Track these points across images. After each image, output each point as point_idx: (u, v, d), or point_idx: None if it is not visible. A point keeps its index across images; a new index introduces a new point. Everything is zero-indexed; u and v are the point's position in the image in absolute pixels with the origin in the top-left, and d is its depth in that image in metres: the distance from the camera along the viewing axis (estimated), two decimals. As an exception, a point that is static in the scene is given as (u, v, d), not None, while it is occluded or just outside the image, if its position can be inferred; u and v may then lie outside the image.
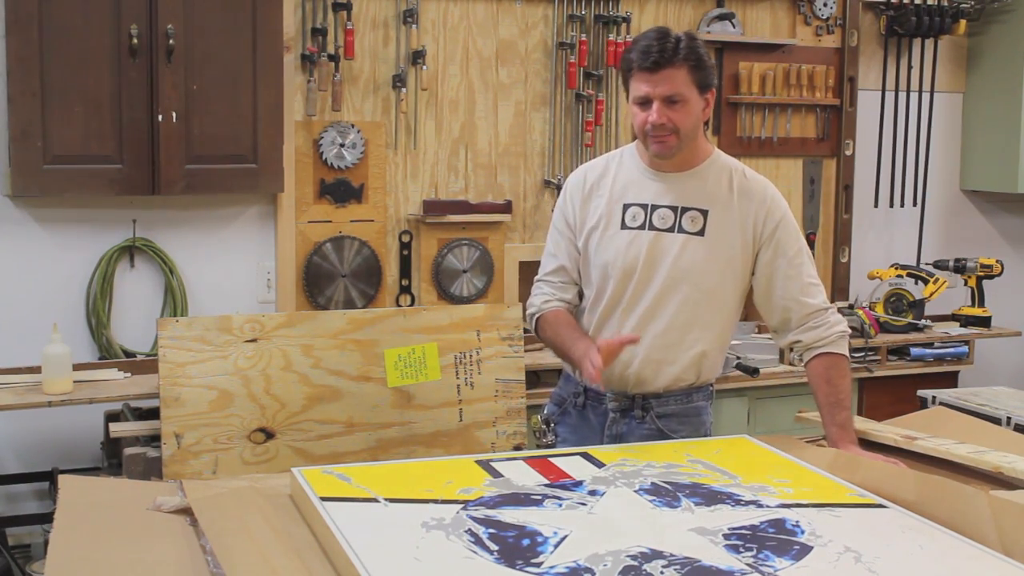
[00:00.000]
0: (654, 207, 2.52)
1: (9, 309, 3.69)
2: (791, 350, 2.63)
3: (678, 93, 2.41)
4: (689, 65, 2.41)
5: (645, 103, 2.43)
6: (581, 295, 2.65)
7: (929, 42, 4.92)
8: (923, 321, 4.49)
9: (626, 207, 2.54)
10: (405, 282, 4.20)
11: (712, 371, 2.62)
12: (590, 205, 2.58)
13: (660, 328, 2.52)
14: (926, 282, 4.61)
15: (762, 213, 2.54)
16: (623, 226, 2.53)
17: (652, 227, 2.51)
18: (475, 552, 1.73)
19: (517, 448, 3.25)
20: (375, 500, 1.94)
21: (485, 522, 1.85)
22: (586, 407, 2.64)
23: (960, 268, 4.68)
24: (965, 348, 4.48)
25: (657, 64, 2.38)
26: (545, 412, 2.71)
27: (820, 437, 2.56)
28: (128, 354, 3.78)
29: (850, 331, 2.61)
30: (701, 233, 2.50)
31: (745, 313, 4.84)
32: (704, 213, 2.51)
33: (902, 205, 4.97)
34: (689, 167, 2.53)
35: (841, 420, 2.47)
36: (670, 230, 2.51)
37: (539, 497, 1.99)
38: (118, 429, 3.26)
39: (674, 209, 2.51)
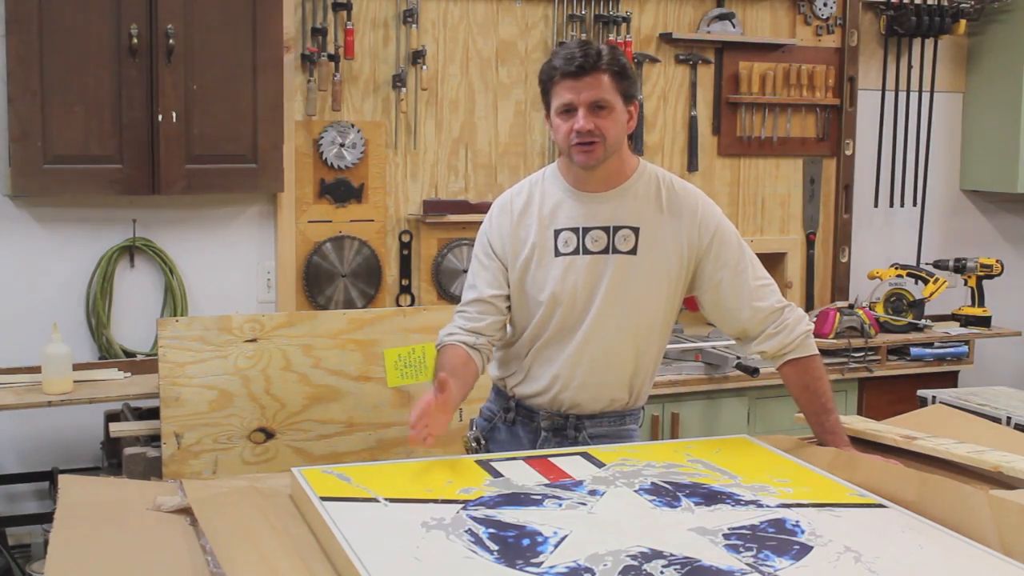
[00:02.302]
0: (585, 230, 2.43)
1: (9, 309, 3.69)
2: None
3: (603, 99, 2.34)
4: (613, 72, 2.34)
5: (569, 111, 2.35)
6: (502, 325, 2.52)
7: (929, 42, 4.92)
8: (923, 321, 4.49)
9: (557, 233, 2.44)
10: (405, 282, 4.20)
11: (645, 391, 2.56)
12: (519, 234, 2.47)
13: (598, 353, 2.46)
14: (926, 282, 4.61)
15: (695, 228, 2.46)
16: (557, 253, 2.44)
17: (586, 251, 2.43)
18: (475, 552, 1.73)
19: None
20: (375, 500, 1.94)
21: (485, 522, 1.85)
22: (516, 423, 2.57)
23: (960, 268, 4.67)
24: (965, 348, 4.48)
25: (582, 68, 2.32)
26: (475, 429, 2.64)
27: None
28: (128, 354, 3.78)
29: (812, 327, 2.54)
30: (634, 252, 2.42)
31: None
32: (635, 231, 2.43)
33: (902, 205, 4.98)
34: (616, 184, 2.45)
35: (831, 426, 2.43)
36: (604, 252, 2.43)
37: (539, 497, 1.99)
38: (118, 429, 3.26)
39: (606, 230, 2.43)
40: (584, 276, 2.43)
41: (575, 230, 2.44)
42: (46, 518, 3.46)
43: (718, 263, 2.46)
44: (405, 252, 4.19)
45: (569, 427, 2.52)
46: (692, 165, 4.56)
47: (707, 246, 2.46)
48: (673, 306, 2.51)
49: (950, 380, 4.44)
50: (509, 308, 2.52)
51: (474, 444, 2.59)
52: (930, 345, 4.43)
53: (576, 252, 2.43)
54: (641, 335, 2.48)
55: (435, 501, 1.95)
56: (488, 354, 2.50)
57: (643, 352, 2.50)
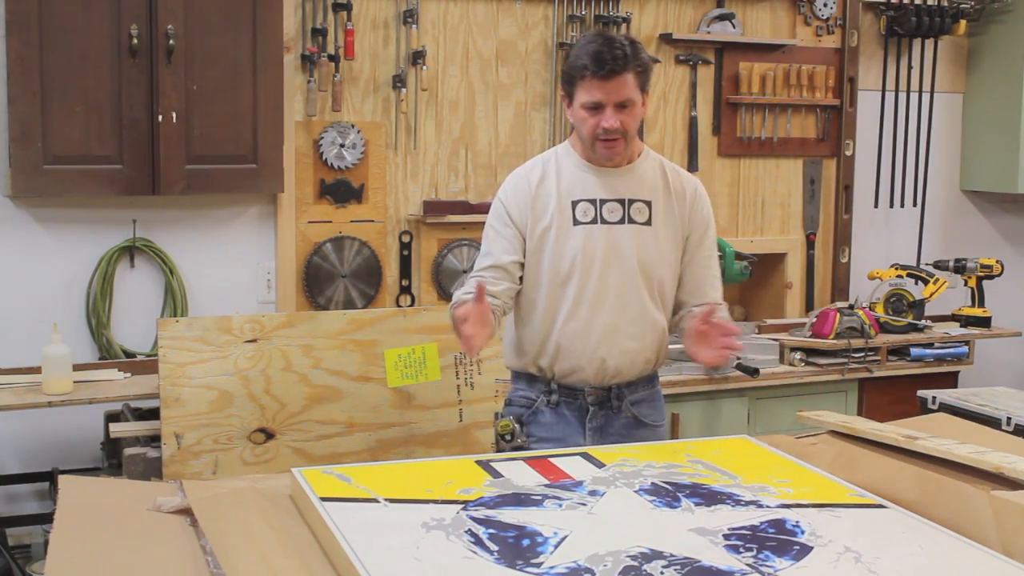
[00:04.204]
0: (603, 201, 2.59)
1: (9, 309, 3.69)
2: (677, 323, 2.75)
3: (629, 98, 2.50)
4: (637, 71, 2.50)
5: (597, 108, 2.51)
6: (514, 295, 2.63)
7: (929, 42, 4.92)
8: (923, 321, 4.48)
9: (575, 203, 2.59)
10: (405, 282, 4.20)
11: (666, 351, 2.73)
12: (538, 205, 2.61)
13: (630, 317, 2.60)
14: (926, 282, 4.61)
15: (693, 209, 2.66)
16: (575, 222, 2.58)
17: (603, 221, 2.58)
18: (475, 552, 1.73)
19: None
20: (375, 500, 1.94)
21: (485, 522, 1.85)
22: (560, 404, 2.66)
23: (960, 268, 4.67)
24: (965, 348, 4.47)
25: (612, 72, 2.46)
26: (508, 417, 2.69)
27: (824, 431, 2.56)
28: (128, 354, 3.77)
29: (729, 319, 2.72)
30: (649, 223, 2.60)
31: (745, 313, 4.86)
32: (648, 204, 2.61)
33: (902, 205, 4.97)
34: (628, 162, 2.62)
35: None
36: (620, 222, 2.59)
37: (539, 497, 1.99)
38: (118, 429, 3.26)
39: (621, 202, 2.60)
40: (603, 244, 2.57)
41: (592, 201, 2.59)
42: (46, 518, 3.46)
43: (699, 247, 2.68)
44: (405, 252, 4.19)
45: (612, 398, 2.65)
46: (692, 165, 4.55)
47: (696, 226, 2.67)
48: (677, 273, 2.68)
49: (950, 380, 4.44)
50: (521, 279, 2.62)
51: (516, 427, 2.64)
52: (930, 346, 4.42)
53: (594, 222, 2.58)
54: (660, 299, 2.64)
55: (435, 501, 1.95)
56: (500, 319, 2.59)
57: (662, 315, 2.66)
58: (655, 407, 2.72)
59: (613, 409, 2.65)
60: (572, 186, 2.60)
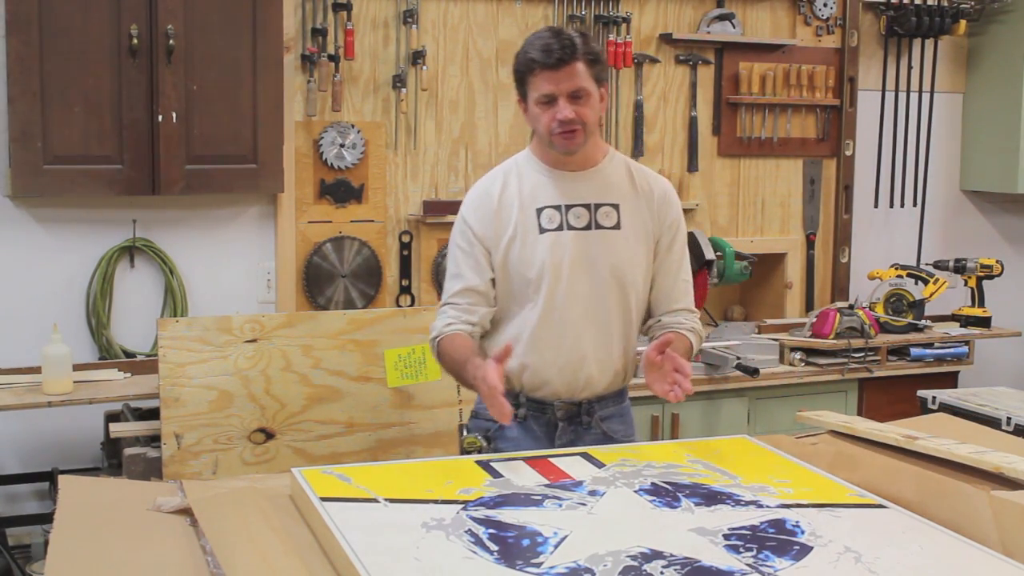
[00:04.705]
0: (568, 207, 2.52)
1: (9, 309, 3.69)
2: (646, 332, 2.69)
3: (582, 88, 2.42)
4: (588, 60, 2.43)
5: (550, 101, 2.44)
6: (491, 316, 2.56)
7: (929, 42, 4.92)
8: (923, 321, 4.48)
9: (539, 211, 2.51)
10: (405, 282, 4.20)
11: (635, 362, 2.64)
12: (501, 217, 2.53)
13: (600, 326, 2.53)
14: (926, 282, 4.61)
15: (663, 210, 2.59)
16: (541, 230, 2.50)
17: (570, 227, 2.51)
18: (475, 552, 1.73)
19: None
20: (375, 500, 1.94)
21: (485, 522, 1.85)
22: (528, 419, 2.58)
23: (960, 268, 4.67)
24: (965, 348, 4.47)
25: (561, 61, 2.40)
26: (474, 431, 2.61)
27: (824, 431, 2.56)
28: (128, 354, 3.78)
29: (704, 337, 2.70)
30: (617, 227, 2.53)
31: (745, 313, 4.86)
32: (616, 207, 2.54)
33: (902, 205, 4.97)
34: (592, 164, 2.55)
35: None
36: (587, 227, 2.51)
37: (539, 497, 1.99)
38: (118, 429, 3.26)
39: (587, 206, 2.52)
40: (571, 251, 2.50)
41: (557, 207, 2.52)
42: (46, 518, 3.46)
43: (669, 248, 2.60)
44: (405, 252, 4.19)
45: (583, 413, 2.58)
46: (692, 165, 4.56)
47: (666, 229, 2.59)
48: (649, 277, 2.61)
49: (950, 381, 4.44)
50: (496, 298, 2.56)
51: (484, 443, 2.56)
52: (930, 346, 4.42)
53: (560, 228, 2.51)
54: (631, 306, 2.57)
55: (435, 501, 1.95)
56: (478, 345, 2.55)
57: (633, 323, 2.59)
58: (625, 422, 2.64)
59: (583, 424, 2.57)
60: (535, 193, 2.52)
